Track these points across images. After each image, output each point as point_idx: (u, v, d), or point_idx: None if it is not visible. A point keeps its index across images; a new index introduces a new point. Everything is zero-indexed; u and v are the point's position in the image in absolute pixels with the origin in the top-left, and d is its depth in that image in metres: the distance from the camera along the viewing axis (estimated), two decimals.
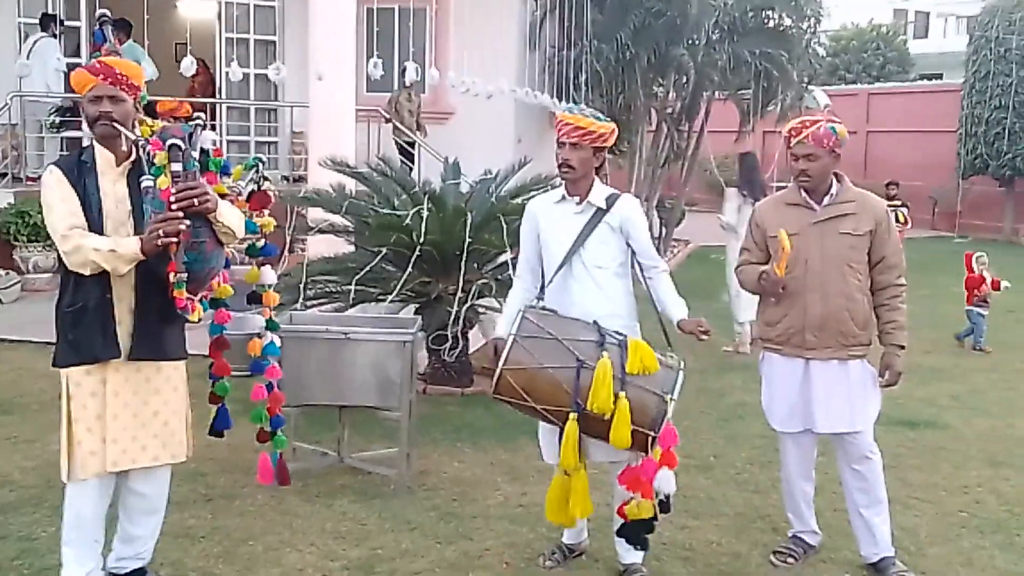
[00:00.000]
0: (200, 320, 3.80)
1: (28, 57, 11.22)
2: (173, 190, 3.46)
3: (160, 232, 3.41)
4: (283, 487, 5.05)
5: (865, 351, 4.34)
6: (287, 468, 4.40)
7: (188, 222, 3.45)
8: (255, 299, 4.23)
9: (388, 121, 12.65)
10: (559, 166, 4.13)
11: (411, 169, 11.68)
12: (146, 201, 3.56)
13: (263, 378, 4.28)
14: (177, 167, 3.48)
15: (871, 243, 4.27)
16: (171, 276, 3.48)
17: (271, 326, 4.29)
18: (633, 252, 4.19)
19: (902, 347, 4.33)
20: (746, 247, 4.53)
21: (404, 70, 10.29)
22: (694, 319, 4.09)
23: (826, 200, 4.31)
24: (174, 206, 3.45)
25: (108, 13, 4.41)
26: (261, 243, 4.18)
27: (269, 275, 4.24)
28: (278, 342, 4.35)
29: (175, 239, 3.43)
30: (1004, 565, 4.52)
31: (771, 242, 4.31)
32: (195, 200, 3.49)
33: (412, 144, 12.73)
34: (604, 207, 4.13)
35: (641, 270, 4.22)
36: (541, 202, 4.34)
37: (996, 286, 9.69)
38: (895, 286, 4.32)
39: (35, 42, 11.55)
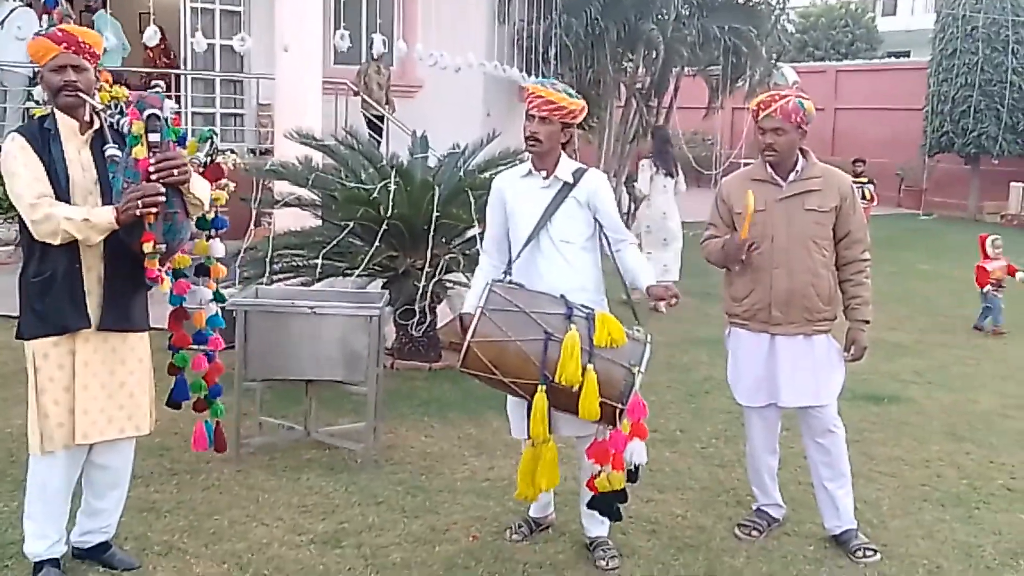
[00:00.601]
0: (169, 291, 3.79)
1: (1, 28, 10.98)
2: (152, 160, 3.42)
3: (139, 202, 3.37)
4: (248, 462, 5.05)
5: (830, 326, 4.36)
6: (224, 436, 4.38)
7: (166, 192, 3.42)
8: (203, 271, 4.19)
9: (356, 94, 12.56)
10: (526, 139, 4.11)
11: (379, 143, 11.62)
12: (113, 170, 3.51)
13: (205, 349, 4.25)
14: (155, 137, 3.46)
15: (836, 219, 4.29)
16: (145, 247, 3.44)
17: (218, 298, 4.26)
18: (601, 226, 4.18)
19: (867, 322, 4.36)
20: (712, 222, 4.53)
21: (372, 43, 10.20)
22: (663, 285, 4.10)
23: (792, 176, 4.31)
24: (153, 176, 3.41)
25: None
26: (212, 215, 4.14)
27: (218, 248, 4.20)
28: (220, 313, 4.32)
29: (153, 209, 3.39)
30: (964, 537, 4.59)
31: (736, 218, 4.32)
32: (174, 171, 3.46)
33: (380, 118, 12.66)
34: (571, 182, 4.12)
35: (609, 244, 4.21)
36: (507, 177, 4.32)
37: (1012, 272, 9.62)
38: (860, 261, 4.35)
39: (10, 11, 11.30)
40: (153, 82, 3.93)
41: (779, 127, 4.22)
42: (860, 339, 4.36)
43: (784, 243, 4.27)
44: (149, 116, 3.45)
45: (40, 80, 3.67)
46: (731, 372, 4.58)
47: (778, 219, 4.28)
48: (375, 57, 12.15)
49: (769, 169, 4.34)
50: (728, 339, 4.57)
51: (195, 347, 4.16)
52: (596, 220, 4.17)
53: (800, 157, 4.33)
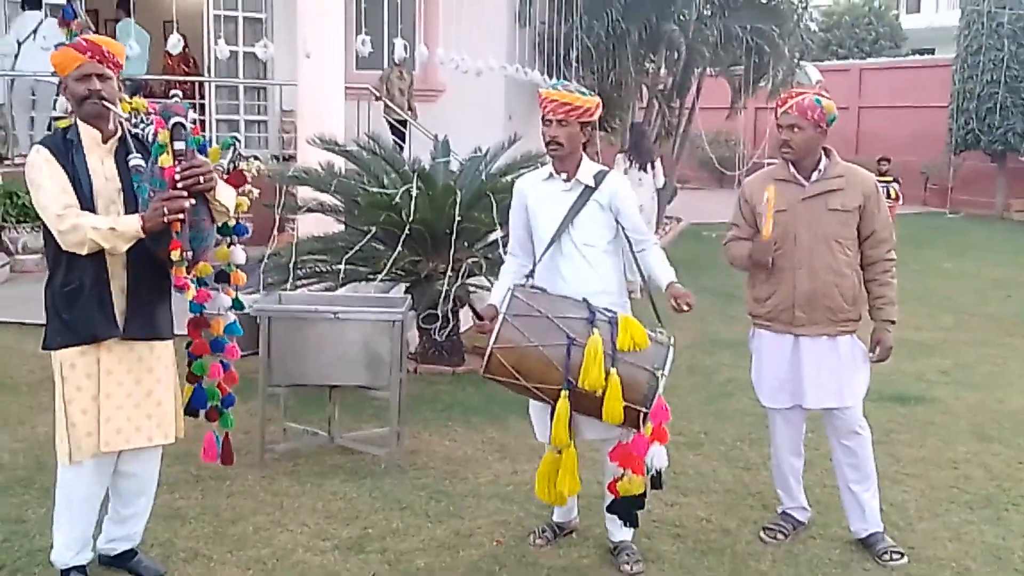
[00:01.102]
0: (193, 298, 3.81)
1: (34, 39, 11.07)
2: (178, 168, 3.45)
3: (166, 209, 3.40)
4: (273, 468, 5.08)
5: (855, 327, 4.34)
6: (231, 447, 4.37)
7: (192, 200, 3.45)
8: (223, 278, 4.19)
9: (378, 99, 12.59)
10: (546, 144, 4.10)
11: (402, 147, 11.65)
12: (138, 179, 3.54)
13: (221, 357, 4.23)
14: (180, 145, 3.48)
15: (860, 218, 4.26)
16: (173, 255, 3.47)
17: (236, 305, 4.26)
18: (623, 228, 4.17)
19: (892, 322, 4.33)
20: (735, 223, 4.51)
21: (393, 48, 10.23)
22: (683, 290, 4.03)
23: (815, 176, 4.29)
24: (179, 184, 3.44)
25: None
26: (232, 222, 4.15)
27: (239, 254, 4.20)
28: (250, 310, 4.32)
29: (180, 217, 3.42)
30: (992, 540, 4.54)
31: (759, 218, 4.30)
32: (200, 178, 3.48)
33: (403, 123, 12.69)
34: (592, 184, 4.11)
35: (631, 246, 4.20)
36: (529, 180, 4.32)
37: None
38: (885, 260, 4.32)
39: (39, 23, 11.38)
40: (172, 92, 3.95)
41: (795, 123, 4.20)
42: (885, 339, 4.33)
43: (807, 243, 4.24)
44: (175, 125, 3.48)
45: (64, 90, 3.70)
46: (755, 373, 4.56)
47: (801, 219, 4.25)
48: (397, 62, 12.18)
49: (792, 169, 4.31)
50: (752, 340, 4.55)
51: (212, 355, 4.16)
52: (618, 222, 4.16)
53: (823, 156, 4.31)
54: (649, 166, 10.68)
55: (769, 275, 4.32)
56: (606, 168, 4.22)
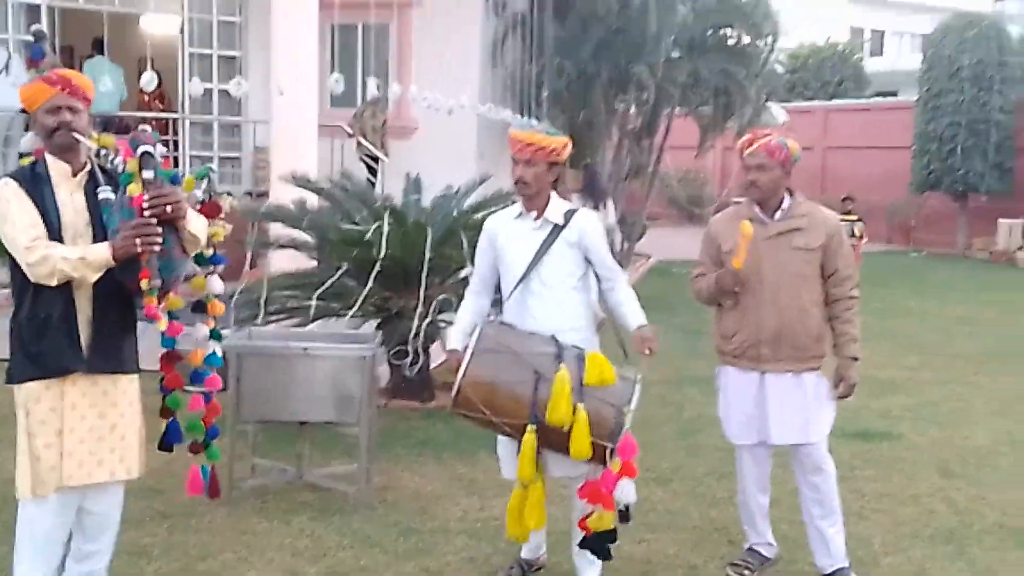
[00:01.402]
0: (165, 329, 3.79)
1: (6, 75, 11.04)
2: (146, 196, 3.45)
3: (138, 240, 3.41)
4: (240, 504, 5.06)
5: (819, 363, 4.40)
6: (218, 480, 4.35)
7: (161, 228, 3.46)
8: (200, 308, 4.18)
9: (351, 136, 12.65)
10: (515, 183, 4.16)
11: (374, 184, 11.70)
12: (107, 211, 3.55)
13: (202, 388, 4.21)
14: (148, 174, 3.47)
15: (823, 256, 4.34)
16: (143, 284, 3.45)
17: (215, 336, 4.26)
18: (592, 266, 4.22)
19: (856, 359, 4.39)
20: (701, 261, 4.59)
21: (366, 86, 10.32)
22: (650, 334, 4.09)
23: (778, 215, 4.38)
24: (147, 212, 3.44)
25: (44, 29, 4.38)
26: (210, 252, 4.16)
27: (216, 284, 4.20)
28: (220, 352, 4.31)
29: (151, 246, 3.43)
30: (955, 575, 4.60)
31: (725, 257, 4.37)
32: (168, 207, 3.49)
33: (376, 159, 12.76)
34: (562, 223, 4.16)
35: (600, 283, 4.24)
36: (499, 219, 4.37)
37: None
38: (848, 298, 4.39)
39: (8, 59, 11.34)
40: (141, 125, 3.97)
41: (762, 163, 4.29)
42: (849, 376, 4.39)
43: (772, 281, 4.31)
44: (143, 154, 3.48)
45: (33, 124, 3.70)
46: (721, 410, 4.61)
47: (766, 257, 4.32)
48: (371, 101, 12.26)
49: (756, 208, 4.40)
50: (718, 376, 4.61)
51: (191, 388, 4.14)
52: (587, 260, 4.21)
53: (786, 196, 4.40)
54: (601, 205, 11.18)
55: (735, 311, 4.39)
56: (576, 206, 4.28)
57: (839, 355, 4.42)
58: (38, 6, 12.34)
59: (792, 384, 4.36)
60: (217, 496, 4.42)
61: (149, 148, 3.51)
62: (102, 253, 3.46)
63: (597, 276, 4.25)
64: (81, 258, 3.44)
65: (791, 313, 4.31)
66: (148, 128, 3.87)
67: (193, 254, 3.82)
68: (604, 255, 4.24)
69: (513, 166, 4.14)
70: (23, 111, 3.94)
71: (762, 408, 4.39)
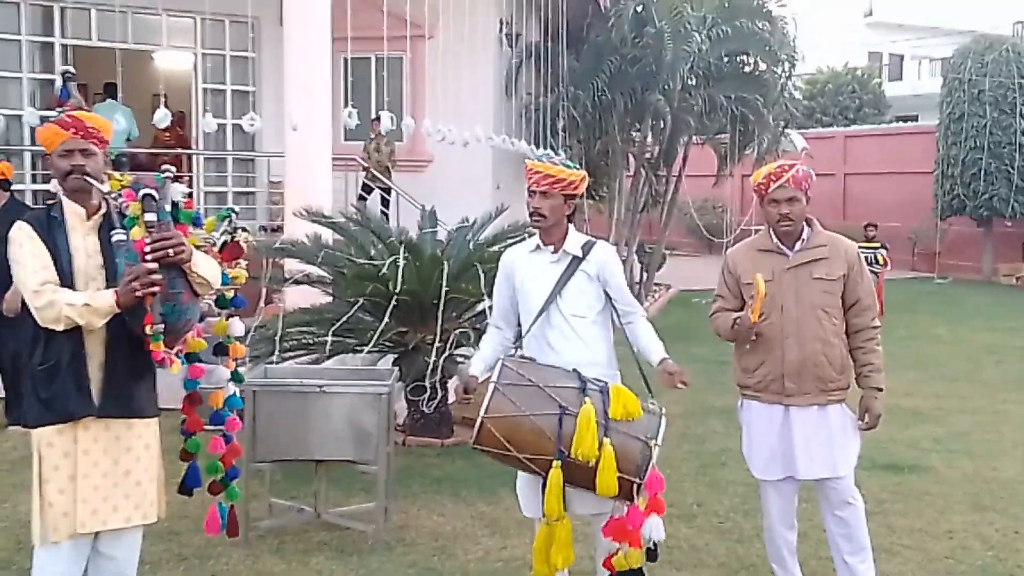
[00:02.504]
0: (179, 373, 3.73)
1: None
2: (147, 240, 3.40)
3: (136, 284, 3.35)
4: (257, 545, 4.98)
5: (844, 395, 4.31)
6: (237, 520, 4.28)
7: (162, 273, 3.40)
8: (222, 351, 4.14)
9: (365, 169, 12.69)
10: (530, 215, 4.10)
11: (387, 215, 11.72)
12: (118, 255, 3.50)
13: (222, 430, 4.17)
14: (151, 217, 3.43)
15: (844, 287, 4.26)
16: (147, 329, 3.40)
17: (236, 378, 4.21)
18: (611, 299, 4.15)
19: (880, 389, 4.30)
20: (719, 294, 4.50)
21: (380, 119, 10.30)
22: (676, 367, 4.02)
23: (798, 245, 4.29)
24: (149, 257, 3.38)
25: (72, 70, 4.36)
26: (231, 295, 4.11)
27: (237, 327, 4.15)
28: (240, 394, 4.26)
29: (152, 290, 3.37)
30: None
31: (745, 288, 4.30)
32: (170, 251, 3.43)
33: (387, 190, 12.83)
34: (580, 255, 4.09)
35: (618, 316, 4.17)
36: (516, 252, 4.30)
37: None
38: (870, 328, 4.31)
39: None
40: (163, 165, 3.92)
41: (793, 196, 4.21)
42: (874, 407, 4.29)
43: (793, 313, 4.23)
44: (144, 197, 3.44)
45: (50, 166, 3.67)
46: (745, 445, 4.50)
47: (786, 289, 4.24)
48: (373, 134, 12.32)
49: (775, 239, 4.31)
50: (741, 411, 4.50)
51: (211, 428, 4.09)
52: (606, 293, 4.14)
53: (805, 226, 4.31)
54: None
55: (756, 345, 4.30)
56: (593, 239, 4.20)
57: (863, 386, 4.32)
58: (52, 44, 12.46)
59: (817, 417, 4.26)
60: (235, 535, 4.36)
61: (151, 191, 3.46)
62: (106, 300, 3.42)
63: (616, 310, 4.17)
64: (86, 304, 3.40)
65: (814, 345, 4.22)
66: (172, 170, 3.82)
67: (205, 297, 3.76)
68: (622, 289, 4.17)
69: (529, 197, 4.08)
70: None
71: (787, 442, 4.29)
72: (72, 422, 3.52)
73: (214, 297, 4.04)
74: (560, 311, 4.07)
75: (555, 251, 4.11)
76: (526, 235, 7.23)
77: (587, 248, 4.11)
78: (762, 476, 4.42)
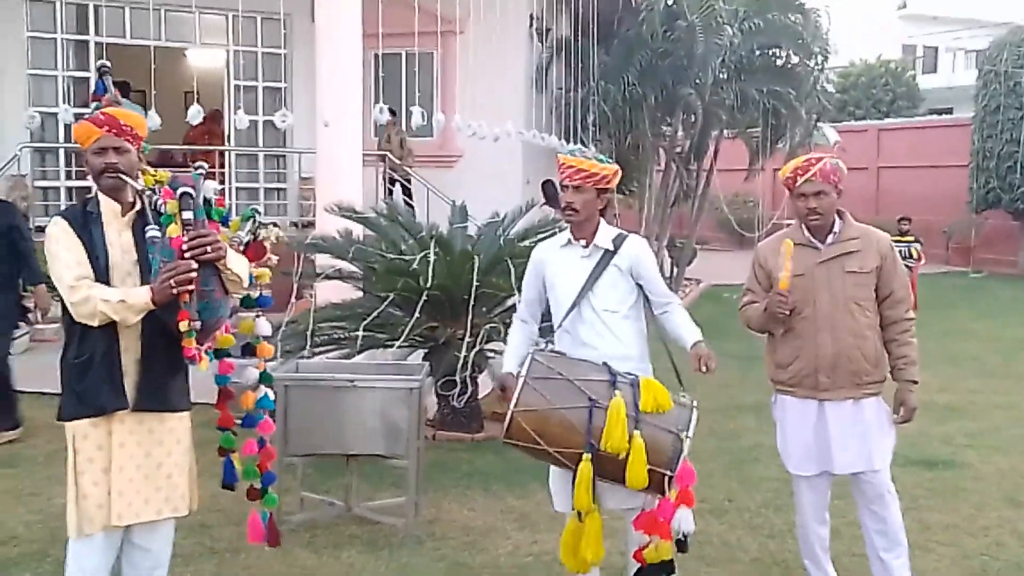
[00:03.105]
0: (208, 369, 3.76)
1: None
2: (185, 238, 3.43)
3: (173, 281, 3.38)
4: (289, 539, 5.01)
5: (879, 388, 4.26)
6: (277, 528, 4.27)
7: (199, 270, 3.42)
8: (249, 351, 4.15)
9: (382, 159, 12.84)
10: (563, 209, 4.08)
11: (411, 207, 11.78)
12: (152, 251, 3.53)
13: (255, 432, 4.16)
14: (188, 215, 3.46)
15: (878, 279, 4.22)
16: (181, 325, 3.43)
17: (265, 379, 4.21)
18: (644, 292, 4.13)
19: (915, 382, 4.25)
20: (749, 288, 4.47)
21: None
22: (707, 350, 3.99)
23: (830, 239, 4.25)
24: (187, 254, 3.42)
25: (108, 64, 4.39)
26: (256, 294, 4.12)
27: (264, 326, 4.15)
28: (272, 395, 4.24)
29: (188, 287, 3.40)
30: None
31: (774, 283, 4.24)
32: (207, 248, 3.46)
33: (409, 181, 12.96)
34: (612, 249, 4.07)
35: (653, 309, 4.15)
36: (547, 247, 4.29)
37: None
38: (904, 320, 4.26)
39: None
40: (197, 163, 3.94)
41: (821, 190, 4.18)
42: (909, 400, 4.25)
43: (827, 307, 4.19)
44: (182, 195, 3.47)
45: (85, 164, 3.70)
46: (780, 441, 4.46)
47: (819, 283, 4.20)
48: (383, 122, 12.37)
49: (807, 232, 4.28)
50: (775, 406, 4.47)
51: (242, 428, 4.08)
52: (639, 286, 4.12)
53: (837, 219, 4.27)
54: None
55: (789, 339, 4.26)
56: (625, 232, 4.18)
57: (898, 379, 4.28)
58: (87, 42, 12.59)
59: (852, 411, 4.22)
60: (276, 544, 4.33)
61: (188, 189, 3.49)
62: (142, 296, 3.45)
63: (649, 302, 4.15)
64: (121, 300, 3.43)
65: (848, 339, 4.18)
66: (206, 166, 3.84)
67: (235, 294, 3.78)
68: (656, 280, 4.15)
69: (561, 191, 4.07)
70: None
71: (822, 437, 4.25)
72: (106, 416, 3.56)
73: (240, 297, 4.05)
74: (592, 306, 4.06)
75: (586, 245, 4.10)
76: (556, 230, 7.24)
77: (619, 242, 4.09)
78: (797, 472, 4.38)
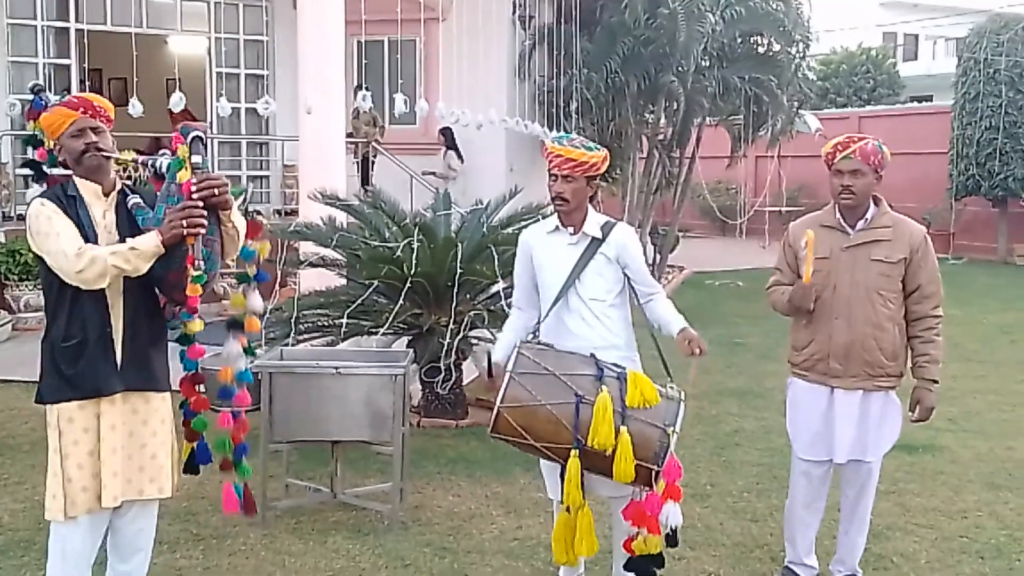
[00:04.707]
0: (187, 354, 3.75)
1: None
2: (194, 180, 3.46)
3: (184, 221, 3.40)
4: (275, 525, 5.03)
5: (894, 383, 4.23)
6: (252, 497, 4.27)
7: (206, 212, 3.46)
8: (236, 325, 4.07)
9: (369, 145, 12.92)
10: (552, 199, 4.04)
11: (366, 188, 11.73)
12: (141, 214, 3.58)
13: (231, 405, 4.10)
14: (197, 159, 3.50)
15: (905, 271, 4.16)
16: (190, 269, 3.44)
17: (249, 351, 4.16)
18: (630, 280, 4.11)
19: (935, 381, 4.21)
20: (777, 267, 4.45)
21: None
22: (695, 334, 3.95)
23: (860, 224, 4.20)
24: (196, 195, 3.44)
25: (42, 84, 4.41)
26: (253, 270, 4.10)
27: (256, 301, 4.09)
28: (250, 367, 4.18)
29: (197, 229, 3.42)
30: None
31: (801, 263, 4.22)
32: (216, 190, 3.48)
33: (366, 161, 13.09)
34: (599, 237, 4.04)
35: (638, 298, 4.13)
36: (534, 232, 4.25)
37: None
38: (930, 317, 4.20)
39: None
40: (195, 122, 3.92)
41: (858, 168, 4.13)
42: (926, 399, 4.22)
43: (846, 293, 4.16)
44: (193, 139, 3.49)
45: (59, 151, 3.67)
46: (790, 423, 4.46)
47: (842, 268, 4.18)
48: (365, 110, 12.40)
49: (838, 215, 4.24)
50: (788, 388, 4.46)
51: (218, 406, 4.05)
52: (625, 275, 4.10)
53: (871, 204, 4.23)
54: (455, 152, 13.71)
55: (808, 322, 4.26)
56: (613, 220, 4.14)
57: (917, 376, 4.23)
58: (67, 29, 12.51)
59: (860, 402, 4.21)
60: (253, 513, 4.33)
61: (199, 133, 3.53)
62: (151, 240, 3.45)
63: (634, 291, 4.13)
64: (132, 248, 3.43)
65: (864, 328, 4.14)
66: (205, 125, 3.86)
67: (230, 254, 3.78)
68: (642, 269, 4.13)
69: (551, 181, 4.02)
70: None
71: (830, 425, 4.25)
72: (95, 398, 3.55)
73: (238, 274, 4.03)
74: (579, 294, 4.03)
75: (574, 233, 4.06)
76: (539, 217, 7.26)
77: (607, 230, 4.05)
78: (805, 456, 4.38)
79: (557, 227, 4.11)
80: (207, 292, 3.66)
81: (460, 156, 13.97)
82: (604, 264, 4.04)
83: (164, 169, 3.63)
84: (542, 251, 4.15)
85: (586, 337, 4.00)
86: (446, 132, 13.58)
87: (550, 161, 4.01)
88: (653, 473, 3.70)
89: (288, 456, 5.61)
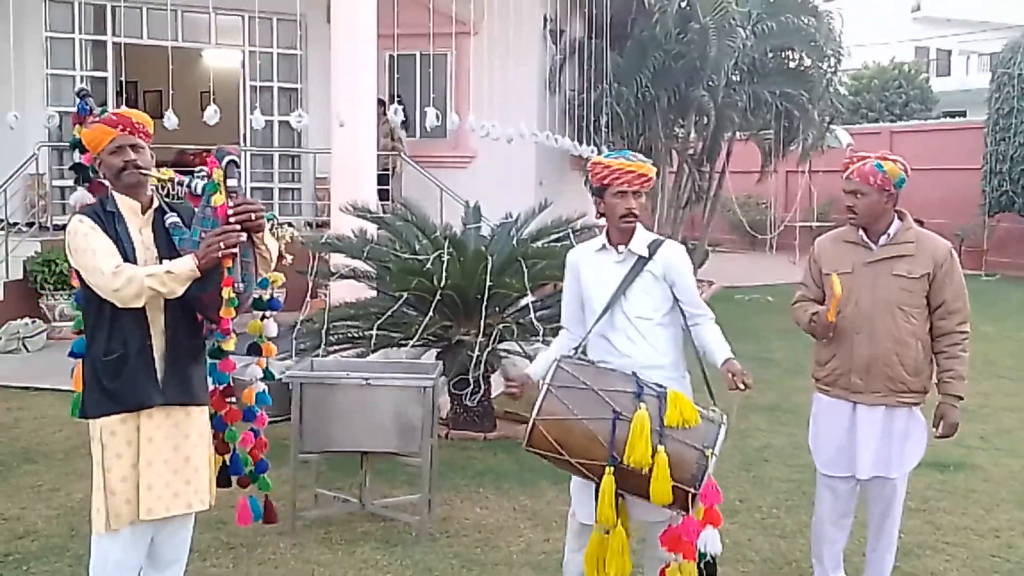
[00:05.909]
0: (219, 367, 3.82)
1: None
2: (230, 204, 3.50)
3: (220, 244, 3.44)
4: (304, 535, 5.06)
5: (917, 399, 4.20)
6: (273, 507, 4.34)
7: (244, 235, 3.51)
8: (255, 350, 4.23)
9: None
10: (622, 216, 3.94)
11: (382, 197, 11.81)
12: (178, 233, 3.61)
13: (253, 425, 4.22)
14: (233, 183, 3.54)
15: (929, 286, 4.15)
16: (225, 291, 3.49)
17: (267, 375, 4.28)
18: (678, 301, 4.01)
19: (960, 397, 4.17)
20: (803, 282, 4.46)
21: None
22: (739, 367, 3.87)
23: (883, 240, 4.21)
24: (232, 219, 3.48)
25: (87, 88, 4.47)
26: (267, 297, 4.19)
27: (271, 328, 4.23)
28: (281, 376, 4.32)
29: (234, 251, 3.46)
30: None
31: (826, 280, 4.22)
32: (251, 215, 3.53)
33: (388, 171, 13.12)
34: (647, 255, 3.97)
35: (685, 319, 4.03)
36: (582, 251, 4.18)
37: None
38: (956, 333, 4.17)
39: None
40: (229, 146, 3.99)
41: (858, 189, 4.16)
42: (950, 416, 4.18)
43: (868, 308, 4.15)
44: (228, 163, 3.54)
45: (99, 166, 3.72)
46: (812, 438, 4.45)
47: (864, 283, 4.17)
48: (385, 120, 12.45)
49: (860, 232, 4.25)
50: (813, 403, 4.45)
51: (243, 422, 4.15)
52: (673, 294, 4.00)
53: (896, 220, 4.24)
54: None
55: (831, 338, 4.25)
56: (661, 238, 4.08)
57: (942, 392, 4.20)
58: (104, 43, 12.70)
59: (883, 418, 4.18)
60: (274, 521, 4.40)
61: (234, 157, 3.58)
62: (187, 264, 3.48)
63: (682, 312, 4.02)
64: (168, 272, 3.47)
65: (886, 343, 4.13)
66: (237, 148, 3.92)
67: (262, 275, 3.85)
68: (691, 289, 4.03)
69: (618, 199, 3.93)
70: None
71: (852, 440, 4.23)
72: (136, 412, 3.59)
73: (251, 299, 4.10)
74: (624, 312, 3.96)
75: (621, 251, 4.01)
76: (569, 230, 7.30)
77: (654, 247, 3.99)
78: (826, 471, 4.37)
79: (604, 245, 4.05)
80: (240, 311, 3.74)
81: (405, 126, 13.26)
82: (651, 282, 3.97)
83: (199, 191, 3.68)
84: (589, 269, 4.08)
85: (630, 355, 3.93)
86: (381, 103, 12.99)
87: (617, 178, 3.93)
88: (690, 496, 3.62)
89: (317, 466, 5.65)
